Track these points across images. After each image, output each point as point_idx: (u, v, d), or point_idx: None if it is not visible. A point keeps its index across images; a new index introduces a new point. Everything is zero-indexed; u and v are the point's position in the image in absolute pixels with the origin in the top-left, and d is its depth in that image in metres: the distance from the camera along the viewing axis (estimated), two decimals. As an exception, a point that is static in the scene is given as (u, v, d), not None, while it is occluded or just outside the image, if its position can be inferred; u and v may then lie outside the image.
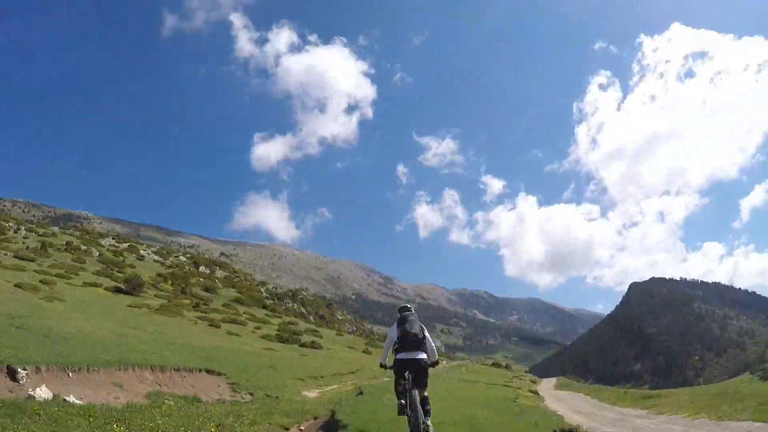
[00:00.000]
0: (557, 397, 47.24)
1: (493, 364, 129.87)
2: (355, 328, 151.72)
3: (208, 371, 24.65)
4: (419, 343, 11.04)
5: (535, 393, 48.22)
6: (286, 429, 15.69)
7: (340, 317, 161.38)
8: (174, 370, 22.13)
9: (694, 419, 23.71)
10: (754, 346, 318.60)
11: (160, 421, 12.55)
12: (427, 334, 11.40)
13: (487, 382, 51.84)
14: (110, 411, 12.63)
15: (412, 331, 11.10)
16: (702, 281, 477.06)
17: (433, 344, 11.48)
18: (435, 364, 11.47)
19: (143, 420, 12.40)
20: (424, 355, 11.00)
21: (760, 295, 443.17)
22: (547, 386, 72.08)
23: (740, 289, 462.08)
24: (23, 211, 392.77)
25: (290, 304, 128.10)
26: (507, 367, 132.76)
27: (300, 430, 16.36)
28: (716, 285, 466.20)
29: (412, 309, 12.10)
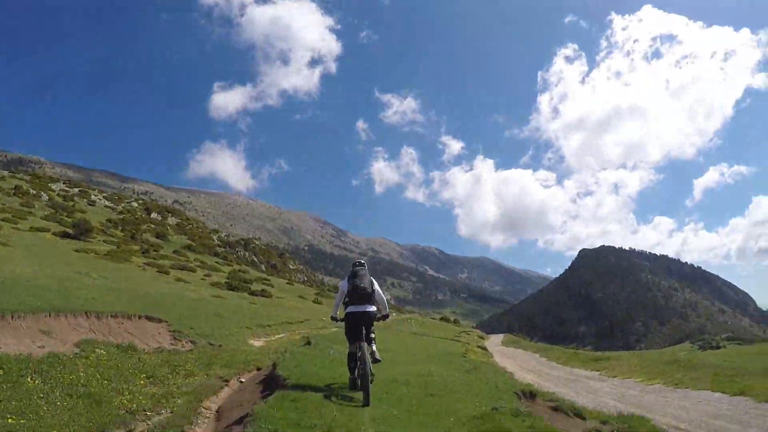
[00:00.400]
0: (506, 354, 47.07)
1: (441, 319, 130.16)
2: (306, 279, 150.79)
3: (149, 318, 23.36)
4: (369, 297, 11.22)
5: (484, 349, 48.04)
6: (225, 381, 14.73)
7: (292, 267, 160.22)
8: (112, 316, 20.86)
9: (649, 384, 23.25)
10: (695, 317, 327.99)
11: (82, 373, 11.45)
12: (377, 288, 11.55)
13: (437, 336, 51.49)
14: (27, 362, 11.44)
15: (362, 284, 11.26)
16: (650, 253, 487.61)
17: (383, 298, 11.62)
18: (386, 317, 11.95)
19: (63, 372, 11.30)
20: (373, 308, 11.24)
21: (705, 270, 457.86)
22: (495, 342, 72.23)
23: (687, 263, 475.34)
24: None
25: (242, 253, 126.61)
26: (456, 322, 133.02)
27: (240, 382, 15.46)
28: (664, 258, 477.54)
29: (365, 264, 12.25)
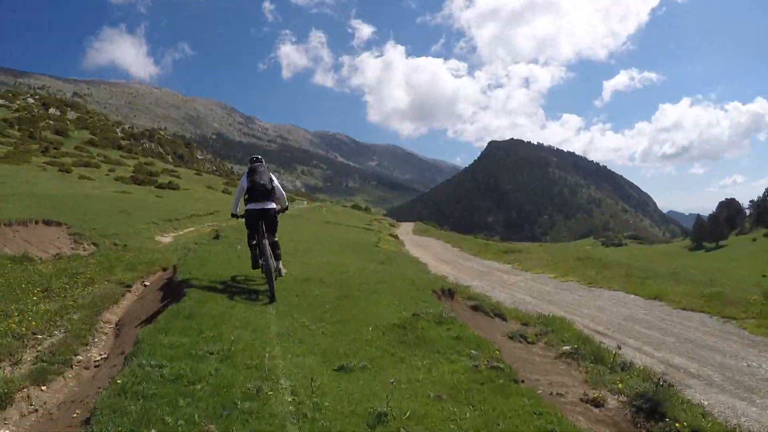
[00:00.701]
0: (418, 243, 46.95)
1: (353, 207, 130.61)
2: (215, 168, 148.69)
3: (46, 222, 22.28)
4: (268, 193, 11.09)
5: (396, 237, 48.03)
6: (128, 287, 13.81)
7: (200, 157, 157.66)
8: (6, 224, 19.72)
9: (563, 281, 23.17)
10: (599, 214, 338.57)
11: None
12: (276, 183, 11.44)
13: (349, 224, 51.26)
14: None
15: (261, 181, 11.06)
16: (558, 149, 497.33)
17: (282, 192, 11.56)
18: (284, 210, 11.74)
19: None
20: (273, 205, 11.17)
21: (610, 170, 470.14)
22: (406, 230, 72.64)
23: (593, 161, 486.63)
24: None
25: (147, 145, 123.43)
26: (367, 210, 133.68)
27: (144, 285, 14.64)
28: (571, 154, 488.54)
29: (263, 160, 11.92)
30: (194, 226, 34.18)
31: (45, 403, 6.80)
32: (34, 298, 11.03)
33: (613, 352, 9.67)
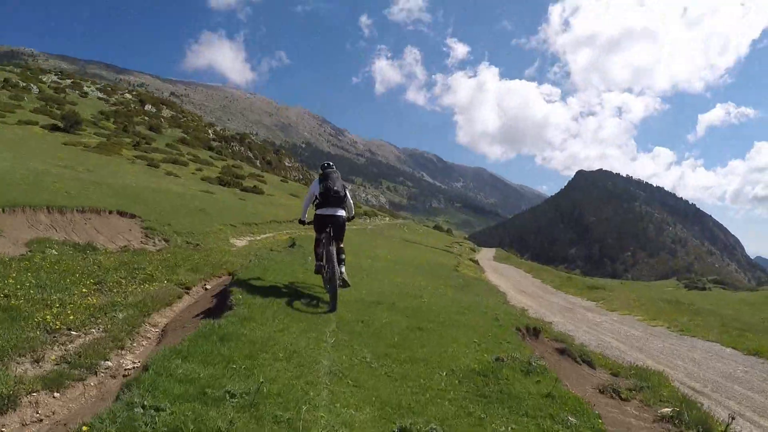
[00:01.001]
0: (498, 270, 45.65)
1: (435, 227, 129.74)
2: (301, 177, 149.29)
3: (120, 213, 21.82)
4: (340, 201, 10.94)
5: (476, 262, 46.82)
6: (187, 289, 13.04)
7: (287, 164, 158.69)
8: (78, 211, 19.26)
9: (652, 325, 21.62)
10: (684, 255, 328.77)
11: (12, 280, 9.63)
12: (348, 192, 11.24)
13: (429, 245, 50.26)
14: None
15: (335, 188, 10.89)
16: (647, 183, 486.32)
17: (351, 202, 11.36)
18: (351, 218, 11.49)
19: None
20: (343, 212, 11.04)
21: (698, 208, 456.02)
22: (486, 256, 71.47)
23: (681, 198, 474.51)
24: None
25: (237, 148, 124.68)
26: (448, 231, 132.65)
27: (205, 289, 13.89)
28: (660, 190, 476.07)
29: (334, 166, 11.71)
30: (272, 232, 33.64)
31: (53, 414, 5.81)
32: (84, 290, 10.17)
33: (725, 423, 8.12)
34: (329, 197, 10.79)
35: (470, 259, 47.84)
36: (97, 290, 10.71)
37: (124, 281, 11.83)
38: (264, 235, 31.95)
